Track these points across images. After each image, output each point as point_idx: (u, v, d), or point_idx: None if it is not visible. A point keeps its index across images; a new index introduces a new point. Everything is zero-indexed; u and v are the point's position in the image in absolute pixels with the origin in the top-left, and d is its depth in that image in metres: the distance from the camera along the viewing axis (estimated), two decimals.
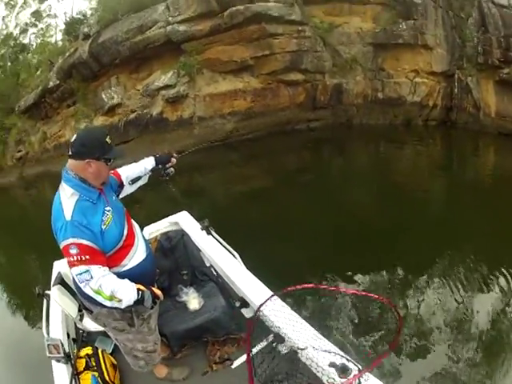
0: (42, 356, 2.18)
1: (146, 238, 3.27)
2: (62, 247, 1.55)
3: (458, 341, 3.39)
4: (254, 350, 2.06)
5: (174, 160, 2.24)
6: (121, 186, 2.04)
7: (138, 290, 1.66)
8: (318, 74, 12.18)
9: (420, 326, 3.57)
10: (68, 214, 1.54)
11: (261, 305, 1.85)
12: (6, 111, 18.30)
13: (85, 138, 1.64)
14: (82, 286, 1.58)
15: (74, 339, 2.50)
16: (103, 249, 1.62)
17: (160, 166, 2.21)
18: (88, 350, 2.26)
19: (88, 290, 1.58)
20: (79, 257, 1.52)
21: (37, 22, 19.57)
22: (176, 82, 11.86)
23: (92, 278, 1.54)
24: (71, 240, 1.51)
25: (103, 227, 1.62)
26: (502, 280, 4.17)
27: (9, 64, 19.50)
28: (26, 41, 19.89)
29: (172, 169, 2.24)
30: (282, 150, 10.82)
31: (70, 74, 14.08)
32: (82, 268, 1.53)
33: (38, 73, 16.74)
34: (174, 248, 2.84)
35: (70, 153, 1.63)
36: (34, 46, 19.59)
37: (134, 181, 2.08)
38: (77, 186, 1.61)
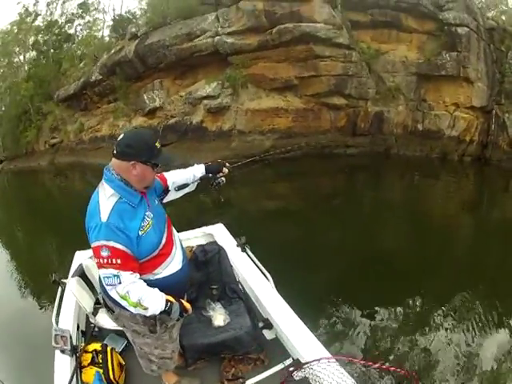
0: (47, 343, 2.10)
1: None
2: (92, 247, 1.49)
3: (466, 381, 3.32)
4: (270, 372, 2.09)
5: (225, 170, 2.11)
6: (165, 191, 1.92)
7: (167, 301, 1.59)
8: (360, 101, 12.21)
9: (428, 364, 3.50)
10: (104, 216, 1.45)
11: (307, 362, 1.84)
12: (44, 97, 18.82)
13: (131, 138, 1.54)
14: (108, 288, 1.52)
15: (82, 332, 2.43)
16: (137, 255, 1.53)
17: (210, 175, 2.08)
18: (96, 346, 2.19)
19: (114, 294, 1.52)
20: (110, 260, 1.45)
21: (84, 14, 19.95)
22: (219, 93, 12.03)
23: (120, 283, 1.47)
24: (103, 242, 1.44)
25: (140, 233, 1.53)
26: None
27: (52, 51, 20.00)
28: (71, 31, 20.36)
29: (223, 178, 2.11)
30: (318, 173, 10.82)
31: (113, 71, 14.44)
32: (111, 271, 1.46)
33: (82, 65, 17.13)
34: (208, 262, 2.80)
35: (115, 152, 1.52)
36: (79, 38, 19.98)
37: (180, 187, 1.97)
38: (118, 187, 1.53)
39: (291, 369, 1.94)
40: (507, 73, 12.72)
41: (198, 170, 2.05)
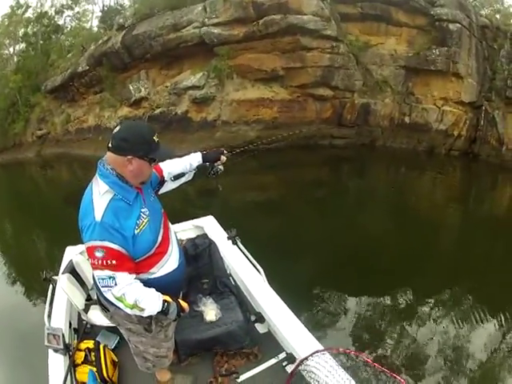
0: (40, 340, 2.09)
1: None
2: (86, 247, 1.42)
3: (453, 373, 3.35)
4: (263, 366, 2.08)
5: (223, 158, 2.01)
6: (161, 182, 1.85)
7: (164, 301, 1.55)
8: (347, 92, 12.14)
9: (415, 356, 3.53)
10: (98, 214, 1.39)
11: (304, 358, 1.81)
12: (31, 88, 18.61)
13: (128, 132, 1.46)
14: (103, 290, 1.47)
15: (75, 329, 2.41)
16: (133, 254, 1.48)
17: (207, 164, 2.00)
18: (89, 344, 2.18)
19: (109, 296, 1.47)
20: (105, 261, 1.39)
21: (73, 5, 19.77)
22: (205, 83, 11.91)
23: (116, 284, 1.42)
24: (98, 242, 1.38)
25: (136, 232, 1.47)
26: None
27: (40, 42, 19.81)
28: (60, 22, 20.20)
29: (221, 167, 2.02)
30: (302, 164, 10.76)
31: (100, 61, 14.27)
32: (107, 273, 1.41)
33: (69, 56, 16.95)
34: (199, 256, 2.78)
35: (110, 145, 1.44)
36: (68, 29, 19.81)
37: (176, 177, 1.89)
38: (113, 183, 1.45)
39: (284, 363, 1.95)
40: (498, 70, 12.71)
41: (194, 159, 1.97)
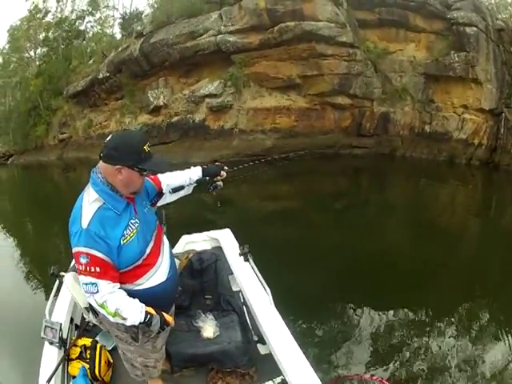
0: (38, 333, 2.14)
1: (181, 248, 3.03)
2: (73, 252, 1.46)
3: None
4: None
5: (223, 173, 1.98)
6: (159, 194, 1.82)
7: (147, 312, 1.54)
8: (366, 100, 11.99)
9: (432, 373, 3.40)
10: (85, 222, 1.41)
11: None
12: (53, 92, 19.14)
13: (119, 141, 1.47)
14: (87, 295, 1.53)
15: (76, 325, 2.45)
16: (117, 264, 1.49)
17: (207, 179, 1.97)
18: (86, 342, 2.20)
19: (92, 302, 1.52)
20: (88, 267, 1.42)
21: (94, 12, 20.10)
22: (222, 91, 11.99)
23: (98, 291, 1.46)
24: (83, 249, 1.41)
25: (122, 242, 1.47)
26: None
27: (62, 47, 20.26)
28: (81, 27, 20.55)
29: (221, 183, 1.98)
30: (321, 173, 10.66)
31: (119, 68, 14.59)
32: (90, 279, 1.45)
33: (91, 62, 17.34)
34: (204, 271, 2.75)
35: (102, 154, 1.46)
36: (89, 34, 20.17)
37: (175, 190, 1.87)
38: (102, 191, 1.46)
39: None
40: None
41: (194, 173, 1.95)
